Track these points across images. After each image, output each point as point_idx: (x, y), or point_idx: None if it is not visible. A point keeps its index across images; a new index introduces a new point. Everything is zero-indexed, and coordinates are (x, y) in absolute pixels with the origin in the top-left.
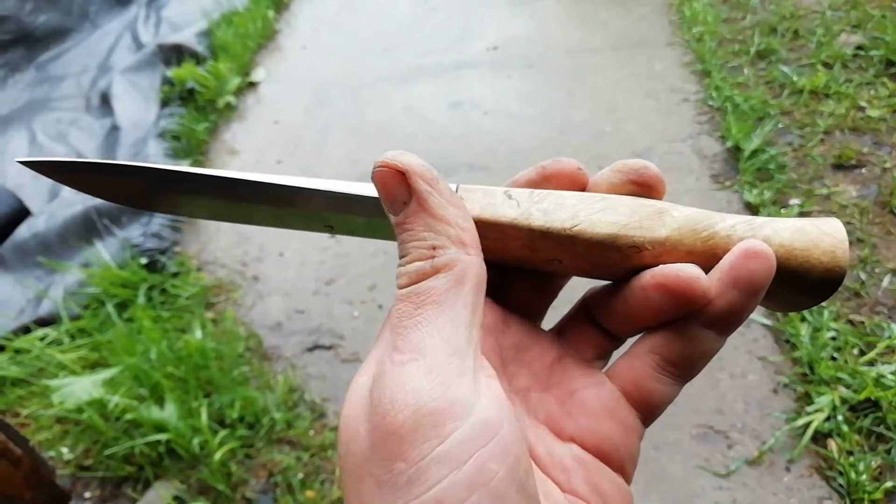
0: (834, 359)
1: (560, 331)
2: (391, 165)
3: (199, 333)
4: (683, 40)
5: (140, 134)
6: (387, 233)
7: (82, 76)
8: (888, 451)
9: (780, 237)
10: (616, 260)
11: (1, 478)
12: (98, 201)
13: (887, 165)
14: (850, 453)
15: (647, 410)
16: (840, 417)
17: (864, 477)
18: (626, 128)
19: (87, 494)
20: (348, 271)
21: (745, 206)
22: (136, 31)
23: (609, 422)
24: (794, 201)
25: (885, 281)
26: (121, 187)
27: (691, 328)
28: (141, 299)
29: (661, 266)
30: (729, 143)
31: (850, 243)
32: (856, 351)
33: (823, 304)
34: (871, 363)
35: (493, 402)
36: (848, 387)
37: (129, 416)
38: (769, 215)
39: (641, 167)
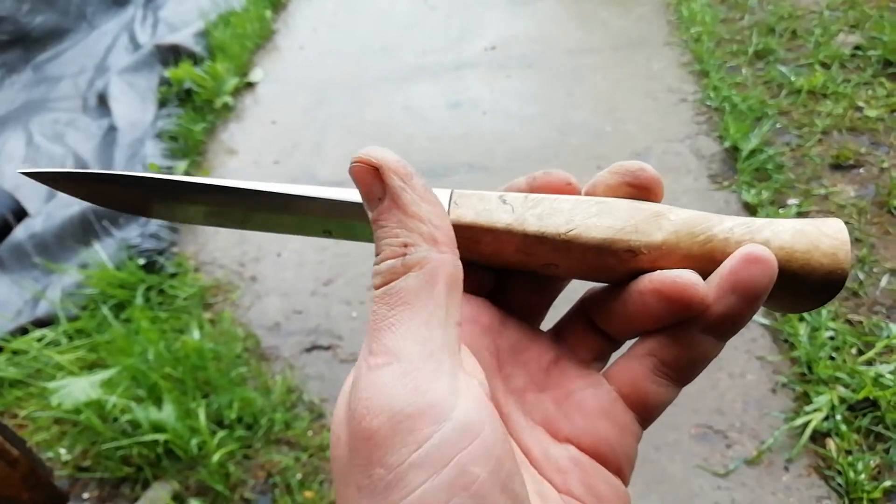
0: (832, 358)
1: (558, 332)
2: (366, 160)
3: (196, 334)
4: (681, 40)
5: (137, 134)
6: None
7: (79, 77)
8: (887, 451)
9: (780, 239)
10: (612, 264)
11: None
12: None
13: (885, 165)
14: (849, 453)
15: (645, 412)
16: (839, 417)
17: (862, 476)
18: (625, 128)
19: (86, 495)
20: (346, 271)
21: (743, 206)
22: (133, 32)
23: (606, 423)
24: (793, 201)
25: (884, 280)
26: (118, 196)
27: (689, 333)
28: (139, 300)
29: (658, 272)
30: (727, 143)
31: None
32: (854, 350)
33: None
34: (870, 363)
35: (472, 404)
36: (846, 386)
37: (127, 417)
38: (767, 215)
39: (638, 169)
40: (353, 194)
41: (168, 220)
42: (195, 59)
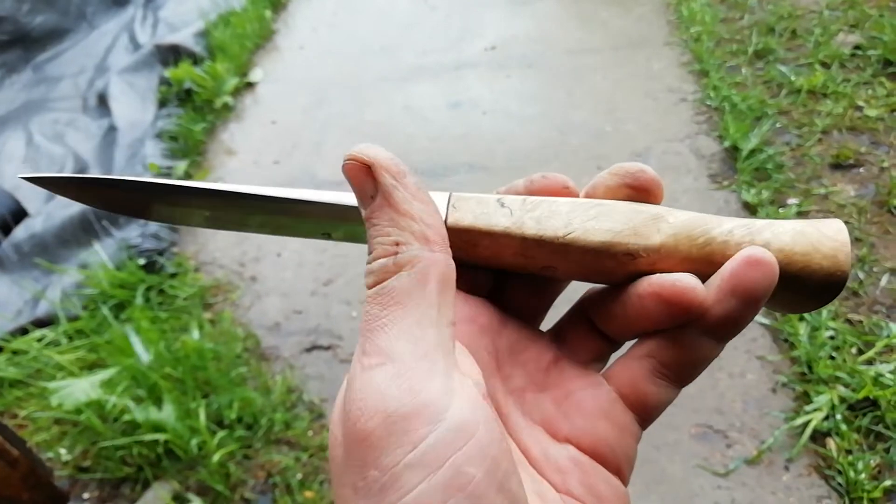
0: (832, 358)
1: (557, 332)
2: (358, 158)
3: (196, 334)
4: (681, 40)
5: (137, 134)
6: None
7: (79, 77)
8: (887, 450)
9: (780, 241)
10: (611, 267)
11: None
12: None
13: (885, 165)
14: (849, 452)
15: (645, 413)
16: (839, 416)
17: (862, 476)
18: (625, 127)
19: (86, 495)
20: (346, 271)
21: (742, 205)
22: (133, 32)
23: (605, 423)
24: (792, 201)
25: (884, 280)
26: (118, 200)
27: (689, 335)
28: (139, 300)
29: (657, 275)
30: (727, 143)
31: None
32: (854, 350)
33: None
34: (870, 362)
35: (467, 404)
36: (846, 386)
37: (127, 417)
38: (767, 215)
39: (638, 171)
40: (351, 198)
41: (168, 222)
42: (195, 59)
